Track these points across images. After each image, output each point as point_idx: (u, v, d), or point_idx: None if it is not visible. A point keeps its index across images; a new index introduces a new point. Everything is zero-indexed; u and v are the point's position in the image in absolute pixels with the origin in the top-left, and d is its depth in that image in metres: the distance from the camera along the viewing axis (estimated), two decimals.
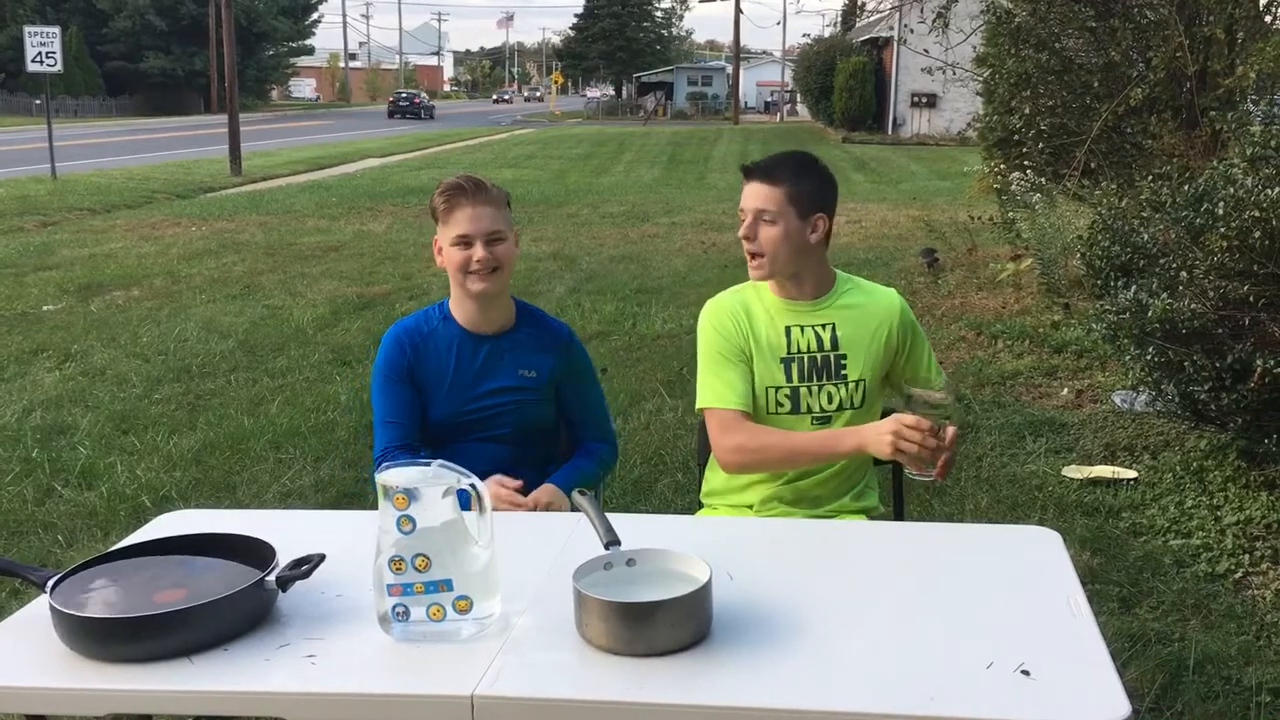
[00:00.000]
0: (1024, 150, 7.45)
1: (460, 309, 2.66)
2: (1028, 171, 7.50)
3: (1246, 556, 3.90)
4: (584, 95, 79.05)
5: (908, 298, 2.85)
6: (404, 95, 56.49)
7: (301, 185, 18.29)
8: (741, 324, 2.59)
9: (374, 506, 1.77)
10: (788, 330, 2.59)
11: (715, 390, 2.54)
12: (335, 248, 11.45)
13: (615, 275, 9.82)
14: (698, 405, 2.58)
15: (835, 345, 2.59)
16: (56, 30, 17.83)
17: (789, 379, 2.58)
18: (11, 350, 7.02)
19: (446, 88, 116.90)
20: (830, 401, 2.59)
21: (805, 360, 2.59)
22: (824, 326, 2.60)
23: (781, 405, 2.59)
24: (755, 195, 2.53)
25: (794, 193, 2.51)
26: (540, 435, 2.73)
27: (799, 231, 2.52)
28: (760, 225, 2.51)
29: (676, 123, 47.57)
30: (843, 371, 2.59)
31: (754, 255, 2.54)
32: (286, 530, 2.04)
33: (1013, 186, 7.73)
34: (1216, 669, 3.17)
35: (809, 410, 2.59)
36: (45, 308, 8.41)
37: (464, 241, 2.55)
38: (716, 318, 2.61)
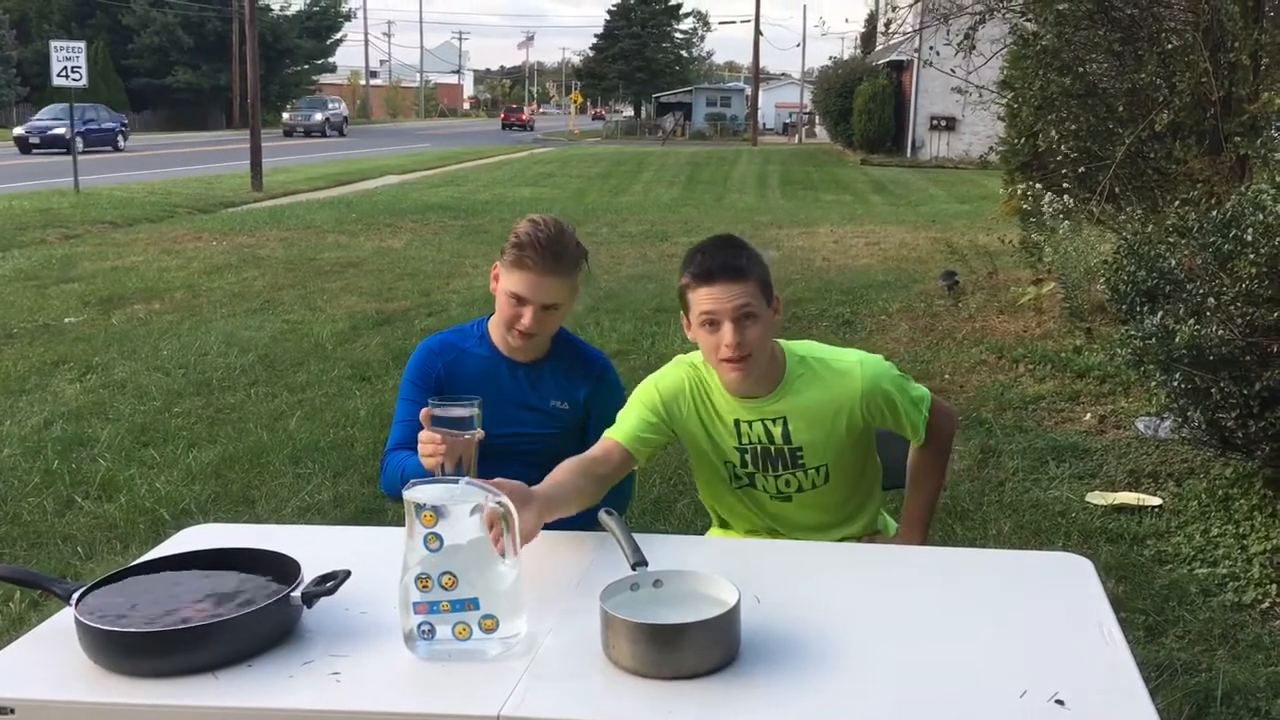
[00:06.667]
0: (1064, 173, 7.41)
1: (499, 334, 2.63)
2: (1064, 195, 7.47)
3: (1274, 586, 3.85)
4: (615, 110, 77.55)
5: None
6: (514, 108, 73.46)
7: (322, 201, 18.38)
8: (697, 408, 2.45)
9: (394, 523, 1.76)
10: (736, 423, 2.43)
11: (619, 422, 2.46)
12: (355, 263, 11.49)
13: (634, 294, 9.82)
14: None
15: (788, 439, 2.42)
16: (82, 45, 17.98)
17: (744, 465, 2.48)
18: (33, 362, 7.06)
19: (466, 106, 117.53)
20: (789, 485, 2.49)
21: (758, 450, 2.45)
22: (774, 420, 2.40)
23: (739, 479, 2.52)
24: (730, 295, 2.25)
25: (762, 279, 2.30)
26: None
27: (770, 321, 2.33)
28: (745, 329, 2.26)
29: (695, 143, 47.66)
30: (800, 461, 2.44)
31: (741, 359, 2.28)
32: (310, 546, 2.03)
33: (1044, 208, 7.70)
34: (1245, 700, 3.13)
35: (765, 490, 2.52)
36: (67, 320, 8.45)
37: (517, 300, 2.49)
38: (669, 388, 2.47)
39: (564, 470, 2.26)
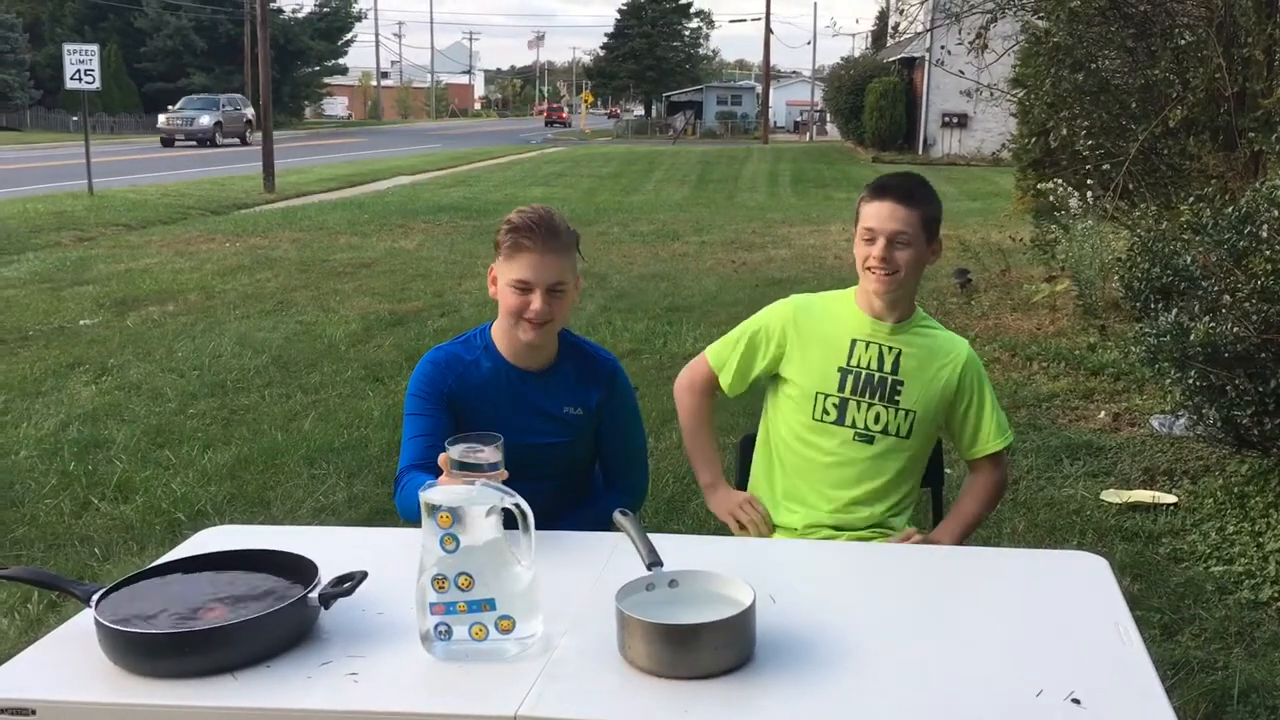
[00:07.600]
0: (1087, 169, 7.40)
1: (504, 341, 2.54)
2: (1087, 192, 7.47)
3: None
4: (627, 110, 77.35)
5: (939, 318, 2.83)
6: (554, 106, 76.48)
7: (334, 202, 18.42)
8: (799, 332, 2.65)
9: (410, 524, 1.76)
10: (853, 343, 2.60)
11: (719, 353, 2.75)
12: (367, 264, 11.52)
13: (646, 293, 9.82)
14: (707, 349, 2.79)
15: (895, 369, 2.59)
16: (95, 48, 18.02)
17: (840, 389, 2.60)
18: (49, 364, 7.09)
19: (477, 106, 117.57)
20: (877, 422, 2.59)
21: (861, 375, 2.59)
22: (889, 349, 2.60)
23: (828, 414, 2.61)
24: (893, 216, 2.50)
25: (926, 216, 2.54)
26: (582, 474, 2.66)
27: (924, 255, 2.56)
28: (896, 249, 2.51)
29: (706, 142, 47.59)
30: (896, 397, 2.59)
31: (888, 273, 2.52)
32: (327, 547, 2.04)
33: (1073, 206, 7.69)
34: (1261, 698, 3.12)
35: (853, 425, 2.60)
36: (82, 322, 8.49)
37: (523, 287, 2.41)
38: (777, 316, 2.70)
39: (705, 439, 2.80)
